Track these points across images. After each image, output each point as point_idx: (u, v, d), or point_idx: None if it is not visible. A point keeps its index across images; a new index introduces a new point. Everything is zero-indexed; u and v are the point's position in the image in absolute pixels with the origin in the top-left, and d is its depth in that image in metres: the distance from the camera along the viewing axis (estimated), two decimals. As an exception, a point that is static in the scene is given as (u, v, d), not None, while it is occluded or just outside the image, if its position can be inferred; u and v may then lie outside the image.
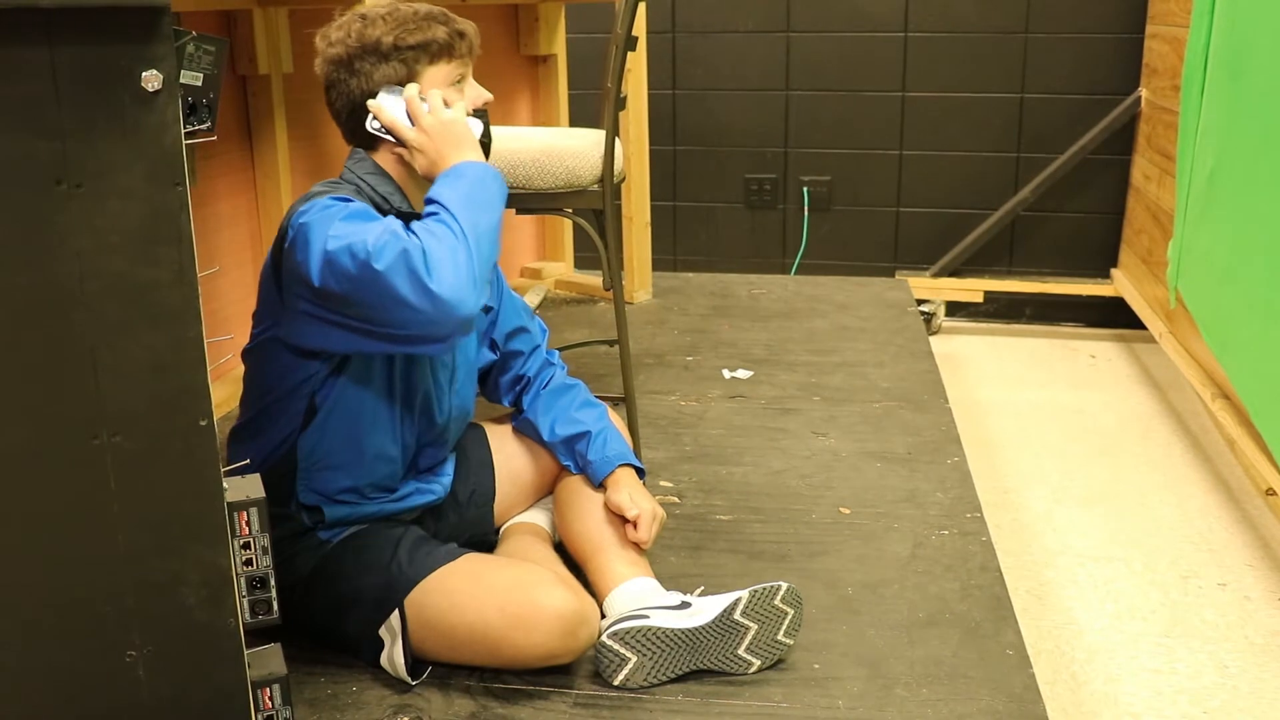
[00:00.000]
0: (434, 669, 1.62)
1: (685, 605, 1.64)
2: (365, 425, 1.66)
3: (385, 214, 1.60)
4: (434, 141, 1.60)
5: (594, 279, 3.67)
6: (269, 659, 1.33)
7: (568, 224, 3.79)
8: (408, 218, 1.61)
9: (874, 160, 4.07)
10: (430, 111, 1.61)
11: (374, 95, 1.64)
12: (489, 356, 1.90)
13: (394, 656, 1.60)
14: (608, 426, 1.87)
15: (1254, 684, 2.02)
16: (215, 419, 1.16)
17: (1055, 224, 4.02)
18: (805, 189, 4.13)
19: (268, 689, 1.31)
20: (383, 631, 1.61)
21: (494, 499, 1.90)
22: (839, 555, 1.98)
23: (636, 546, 1.76)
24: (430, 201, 1.54)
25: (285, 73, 2.71)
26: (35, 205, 1.05)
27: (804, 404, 2.69)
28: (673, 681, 1.61)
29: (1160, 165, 3.45)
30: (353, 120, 1.67)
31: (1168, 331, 3.26)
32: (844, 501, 2.18)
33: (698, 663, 1.62)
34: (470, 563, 1.63)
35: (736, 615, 1.61)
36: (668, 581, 1.77)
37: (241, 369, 1.72)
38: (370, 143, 1.68)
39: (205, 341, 1.13)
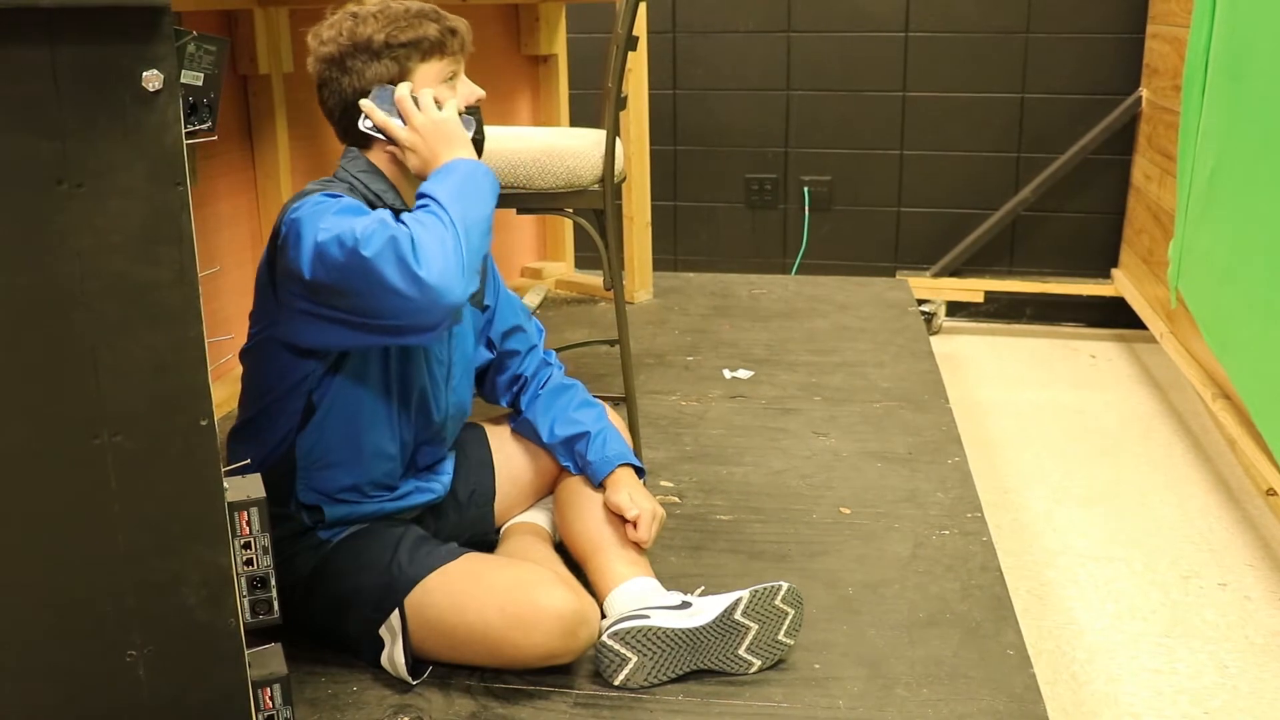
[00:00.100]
0: (434, 669, 1.62)
1: (686, 605, 1.64)
2: (363, 423, 1.66)
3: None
4: (426, 141, 1.61)
5: (595, 279, 3.67)
6: (270, 659, 1.33)
7: (568, 224, 3.79)
8: (401, 214, 1.61)
9: (875, 160, 4.07)
10: (422, 111, 1.61)
11: (366, 93, 1.64)
12: (486, 356, 1.90)
13: (394, 656, 1.60)
14: (607, 426, 1.87)
15: (1254, 684, 2.02)
16: (216, 419, 1.16)
17: (1056, 224, 4.01)
18: (806, 189, 4.13)
19: (268, 689, 1.31)
20: (383, 631, 1.61)
21: (494, 498, 1.90)
22: (839, 555, 1.98)
23: (637, 546, 1.76)
24: (421, 196, 1.54)
25: (286, 72, 2.71)
26: (36, 205, 1.05)
27: (804, 404, 2.69)
28: (673, 681, 1.61)
29: (1161, 165, 3.45)
30: (345, 119, 1.67)
31: (1168, 331, 3.26)
32: (844, 501, 2.18)
33: (698, 663, 1.62)
34: (470, 562, 1.63)
35: (737, 615, 1.61)
36: (668, 581, 1.77)
37: (241, 369, 1.72)
38: (364, 141, 1.68)
39: (206, 341, 1.13)
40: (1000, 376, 3.65)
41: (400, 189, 1.68)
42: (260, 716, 1.30)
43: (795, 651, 1.68)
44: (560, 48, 3.57)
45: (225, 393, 2.49)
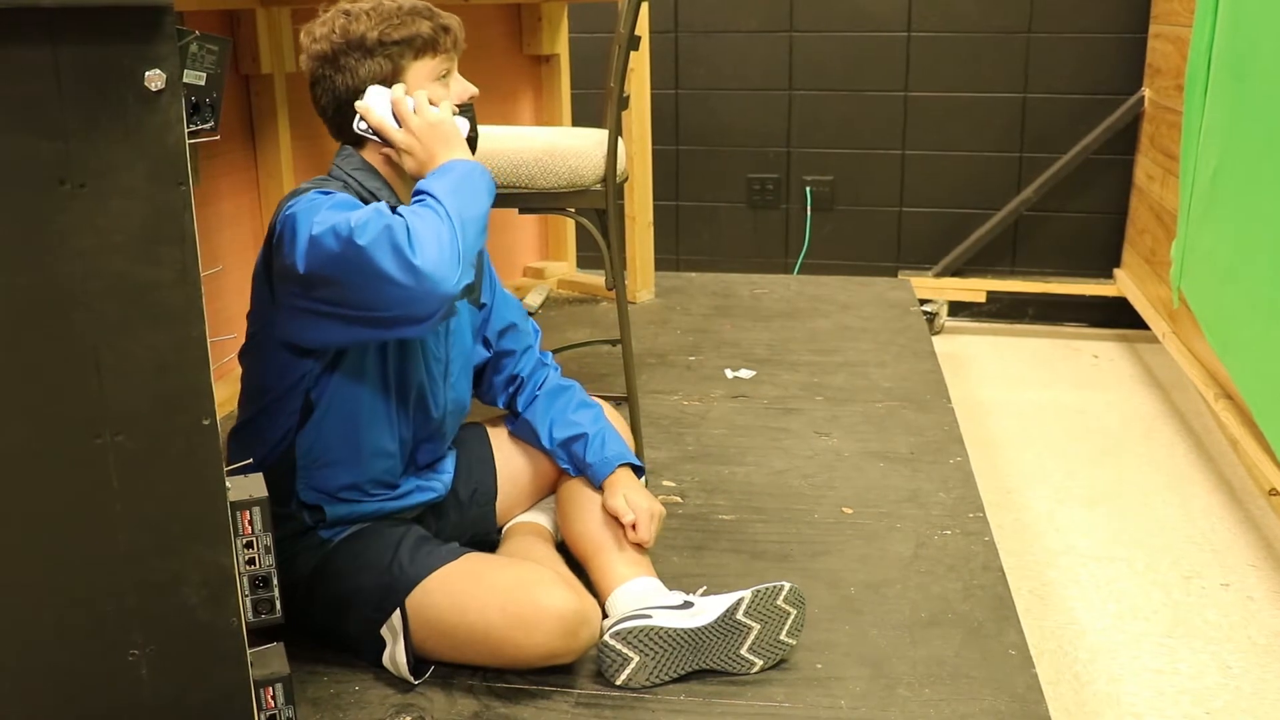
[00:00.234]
0: (436, 668, 1.62)
1: (688, 605, 1.64)
2: (362, 421, 1.66)
3: None
4: (422, 143, 1.60)
5: (596, 278, 3.67)
6: (271, 658, 1.33)
7: (570, 223, 3.79)
8: (397, 208, 1.61)
9: (876, 160, 4.07)
10: (417, 112, 1.61)
11: (360, 91, 1.63)
12: (483, 354, 1.90)
13: (396, 656, 1.60)
14: (605, 427, 1.86)
15: (1257, 684, 2.02)
16: (218, 418, 1.16)
17: (1058, 224, 4.01)
18: (808, 189, 4.13)
19: (270, 688, 1.31)
20: (384, 631, 1.61)
21: (496, 498, 1.90)
22: (841, 555, 1.98)
23: (638, 546, 1.76)
24: (418, 192, 1.54)
25: (288, 72, 2.71)
26: (38, 205, 1.05)
27: (806, 404, 2.69)
28: (675, 681, 1.61)
29: (1163, 165, 3.45)
30: (339, 117, 1.67)
31: (1170, 331, 3.26)
32: (846, 501, 2.18)
33: (700, 663, 1.62)
34: (471, 562, 1.63)
35: (739, 615, 1.61)
36: (670, 581, 1.77)
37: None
38: (358, 140, 1.68)
39: (208, 341, 1.13)
40: (1002, 376, 3.64)
41: (395, 187, 1.68)
42: (262, 716, 1.30)
43: (797, 651, 1.68)
44: (562, 47, 3.57)
45: (227, 392, 2.48)
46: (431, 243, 1.43)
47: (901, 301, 3.54)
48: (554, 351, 2.19)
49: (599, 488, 1.81)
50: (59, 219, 1.06)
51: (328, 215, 1.47)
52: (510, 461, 1.92)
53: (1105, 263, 4.00)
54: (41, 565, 1.13)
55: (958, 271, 4.06)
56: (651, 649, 1.58)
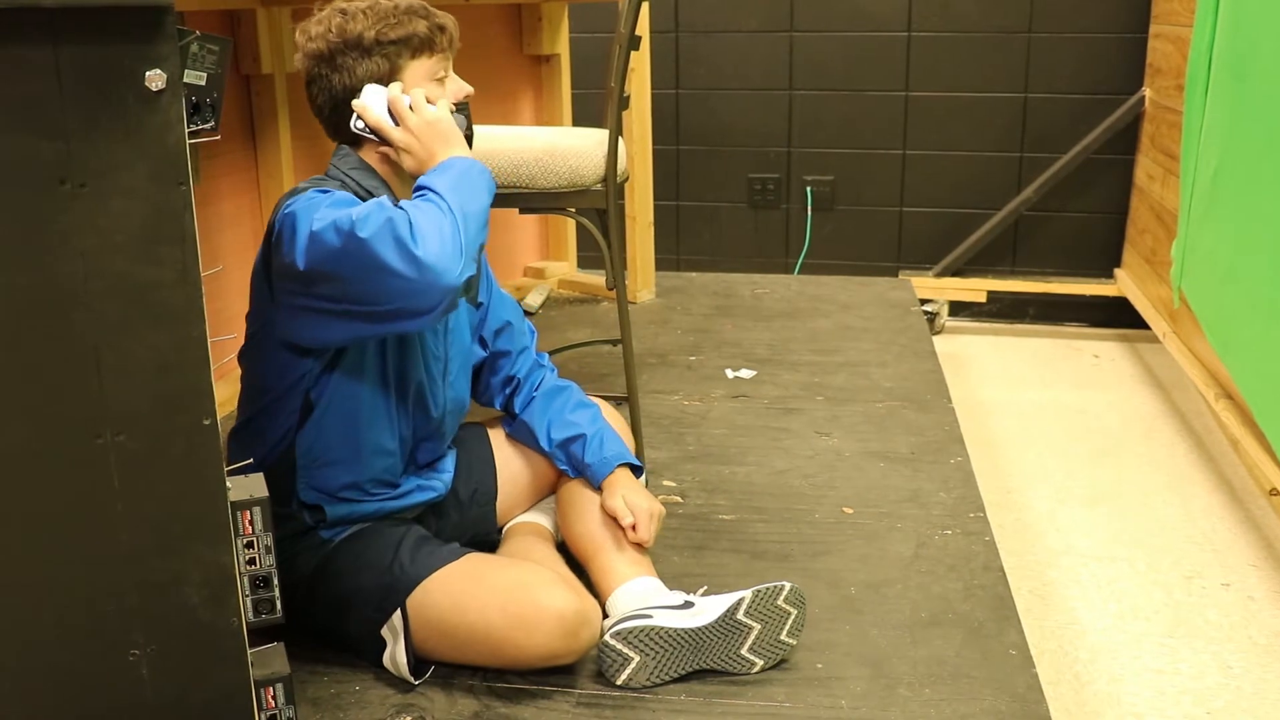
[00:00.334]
0: (437, 668, 1.63)
1: (688, 605, 1.64)
2: (362, 419, 1.66)
3: None
4: (421, 141, 1.61)
5: (597, 278, 3.67)
6: (272, 658, 1.33)
7: (571, 223, 3.79)
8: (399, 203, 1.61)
9: (877, 160, 4.07)
10: (415, 111, 1.61)
11: (357, 90, 1.63)
12: (480, 353, 1.90)
13: (396, 656, 1.60)
14: (603, 427, 1.86)
15: (1257, 684, 2.02)
16: (218, 418, 1.16)
17: (1058, 224, 4.01)
18: (808, 188, 4.13)
19: (271, 688, 1.31)
20: (385, 631, 1.61)
21: (496, 498, 1.90)
22: (842, 555, 1.98)
23: (639, 546, 1.76)
24: (419, 188, 1.54)
25: (288, 72, 2.71)
26: (39, 205, 1.05)
27: (807, 404, 2.69)
28: (676, 681, 1.61)
29: (1164, 165, 3.45)
30: (335, 116, 1.67)
31: (1171, 331, 3.26)
32: (847, 501, 2.18)
33: (701, 662, 1.62)
34: (472, 563, 1.63)
35: (740, 615, 1.61)
36: (670, 581, 1.77)
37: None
38: (354, 139, 1.68)
39: (209, 341, 1.13)
40: (1003, 376, 3.64)
41: (393, 186, 1.68)
42: (263, 716, 1.30)
43: (798, 651, 1.68)
44: (563, 47, 3.57)
45: (228, 392, 2.48)
46: (434, 235, 1.43)
47: (902, 301, 3.54)
48: (554, 351, 2.19)
49: (598, 488, 1.81)
50: (60, 219, 1.06)
51: (327, 212, 1.47)
52: (510, 461, 1.92)
53: (1106, 263, 4.00)
54: (42, 565, 1.13)
55: (958, 271, 4.05)
56: (652, 649, 1.58)
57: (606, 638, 1.59)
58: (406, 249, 1.41)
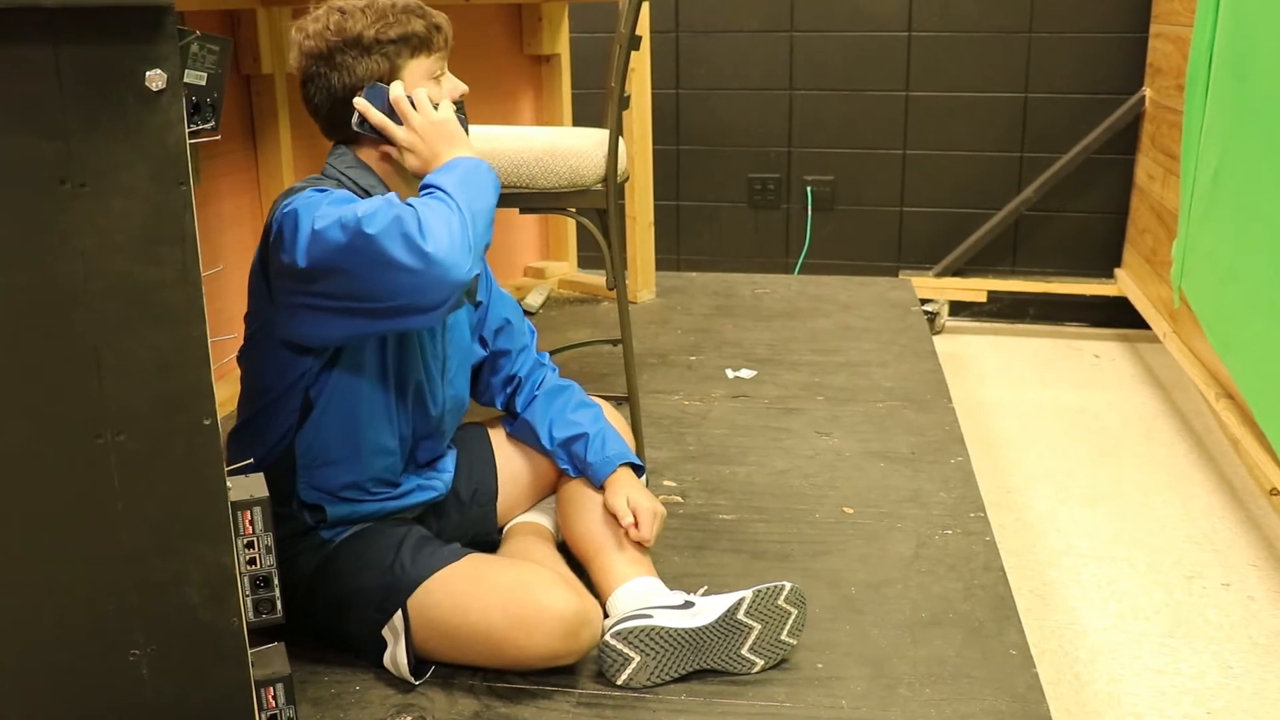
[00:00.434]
0: (437, 668, 1.63)
1: (689, 605, 1.64)
2: (361, 418, 1.66)
3: None
4: (426, 141, 1.60)
5: (597, 278, 3.67)
6: (272, 658, 1.33)
7: (571, 223, 3.79)
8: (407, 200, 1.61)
9: (877, 160, 4.07)
10: (419, 111, 1.61)
11: (356, 89, 1.62)
12: (480, 352, 1.90)
13: (397, 656, 1.60)
14: (605, 427, 1.86)
15: (1258, 684, 2.02)
16: (219, 418, 1.16)
17: (1059, 223, 4.01)
18: (809, 188, 4.13)
19: (271, 688, 1.31)
20: (385, 631, 1.61)
21: (496, 498, 1.90)
22: (842, 555, 1.98)
23: (639, 546, 1.76)
24: (425, 187, 1.54)
25: (289, 72, 2.70)
26: (39, 205, 1.05)
27: (807, 404, 2.69)
28: (676, 681, 1.61)
29: (1164, 165, 3.45)
30: (333, 115, 1.66)
31: (1171, 331, 3.25)
32: (847, 501, 2.18)
33: (701, 662, 1.62)
34: (473, 563, 1.63)
35: (740, 615, 1.61)
36: (671, 581, 1.77)
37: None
38: (351, 138, 1.67)
39: (209, 341, 1.13)
40: (1003, 376, 3.64)
41: (390, 185, 1.68)
42: (263, 716, 1.30)
43: (798, 651, 1.67)
44: (563, 47, 3.57)
45: (228, 392, 2.48)
46: (442, 230, 1.44)
47: (902, 301, 3.54)
48: (555, 351, 2.19)
49: (600, 487, 1.81)
50: (60, 219, 1.06)
51: (330, 210, 1.47)
52: (511, 461, 1.92)
53: (1106, 262, 4.00)
54: (42, 565, 1.13)
55: (959, 271, 4.05)
56: (652, 649, 1.58)
57: (607, 638, 1.59)
58: (415, 244, 1.41)
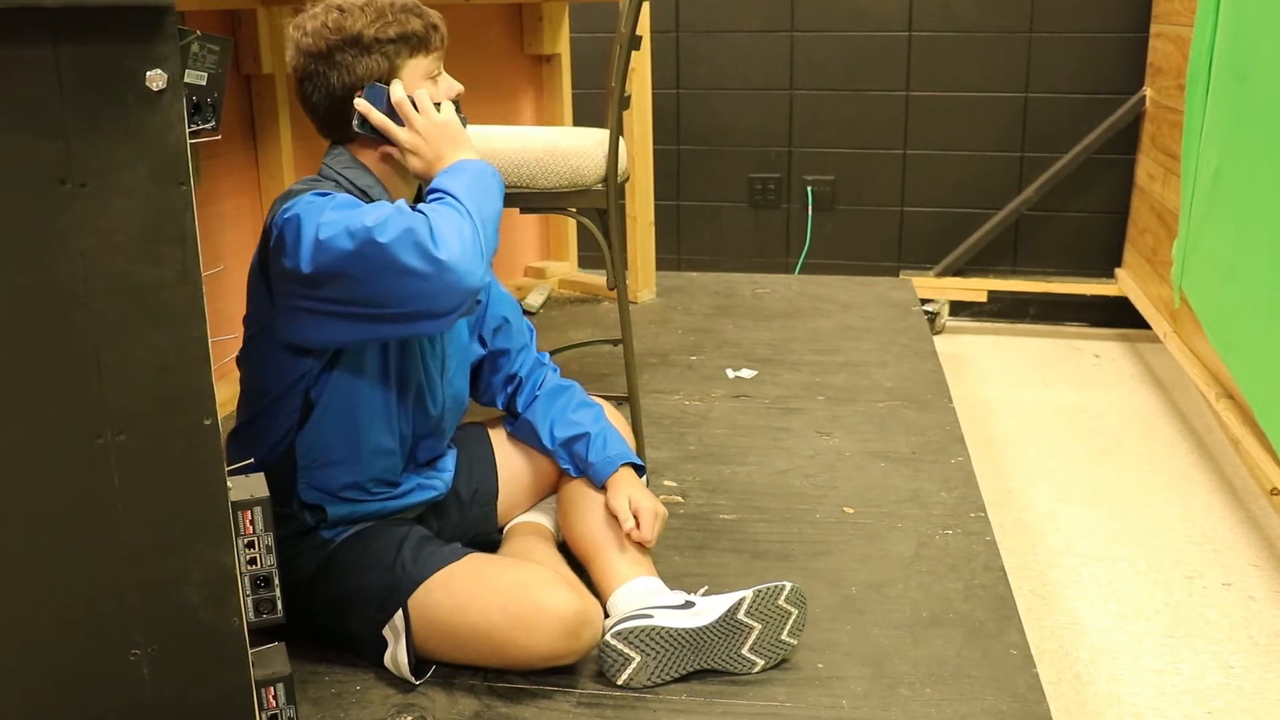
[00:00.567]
0: (438, 668, 1.63)
1: (689, 605, 1.64)
2: (362, 419, 1.66)
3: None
4: (429, 143, 1.60)
5: (598, 278, 3.67)
6: (273, 658, 1.33)
7: (571, 223, 3.79)
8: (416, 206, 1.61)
9: (878, 160, 4.07)
10: (422, 113, 1.61)
11: (355, 88, 1.62)
12: (478, 351, 1.90)
13: (397, 656, 1.60)
14: (606, 426, 1.86)
15: (1258, 684, 2.02)
16: (219, 418, 1.16)
17: (1059, 223, 4.01)
18: (809, 188, 4.13)
19: (271, 688, 1.31)
20: (386, 631, 1.61)
21: (497, 497, 1.90)
22: (843, 555, 1.98)
23: (640, 546, 1.76)
24: (433, 191, 1.54)
25: (289, 72, 2.70)
26: (39, 205, 1.05)
27: (808, 403, 2.69)
28: (676, 681, 1.61)
29: (1165, 165, 3.45)
30: (331, 114, 1.65)
31: (1172, 331, 3.25)
32: (848, 501, 2.18)
33: (701, 662, 1.62)
34: (474, 563, 1.63)
35: (740, 615, 1.61)
36: (671, 581, 1.77)
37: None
38: (348, 137, 1.67)
39: (209, 341, 1.13)
40: (1003, 376, 3.64)
41: (388, 185, 1.67)
42: (263, 716, 1.30)
43: (798, 651, 1.67)
44: (564, 47, 3.57)
45: (228, 392, 2.48)
46: (454, 237, 1.44)
47: (903, 301, 3.54)
48: (555, 351, 2.19)
49: (601, 487, 1.81)
50: (60, 219, 1.06)
51: (334, 215, 1.47)
52: (511, 461, 1.92)
53: (1106, 262, 4.00)
54: (42, 565, 1.13)
55: (959, 271, 4.05)
56: (653, 649, 1.58)
57: (607, 638, 1.59)
58: (428, 252, 1.42)
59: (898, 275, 4.07)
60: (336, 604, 1.65)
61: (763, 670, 1.63)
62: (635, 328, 3.24)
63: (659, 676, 1.60)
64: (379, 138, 1.63)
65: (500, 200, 1.58)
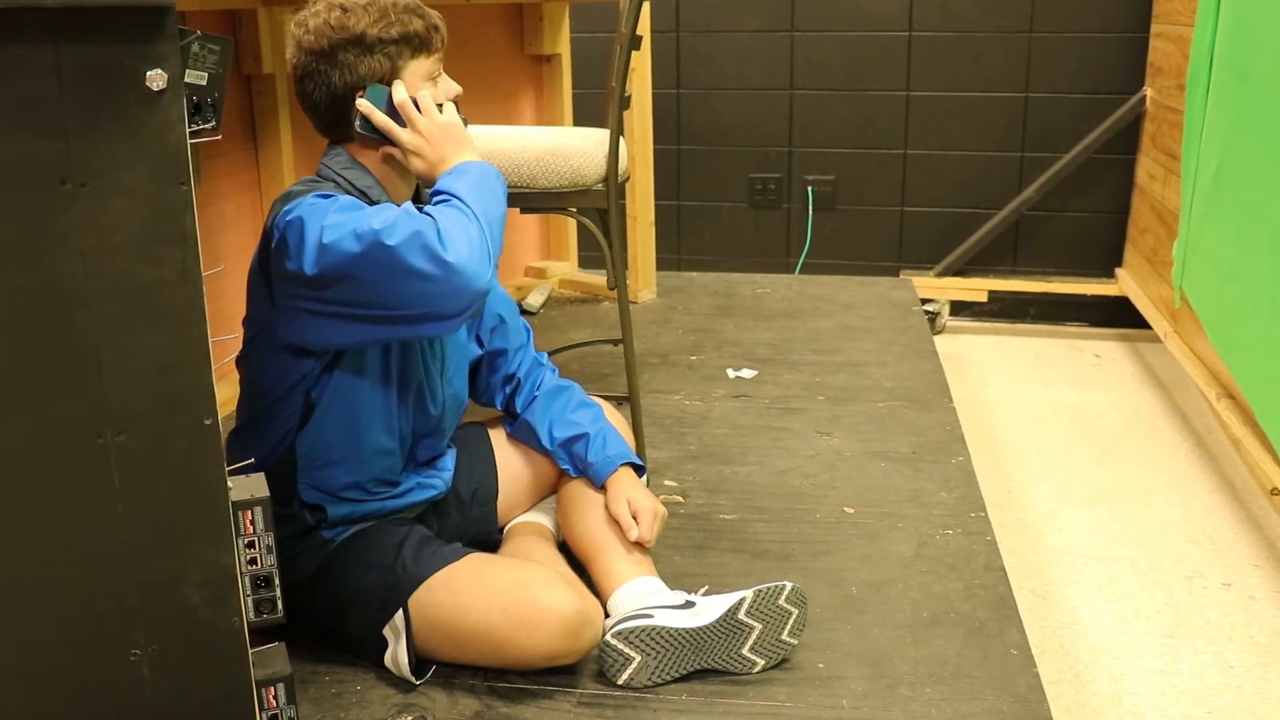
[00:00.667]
0: (438, 668, 1.63)
1: (689, 605, 1.64)
2: (362, 419, 1.66)
3: (371, 205, 1.59)
4: (432, 145, 1.60)
5: (598, 278, 3.67)
6: (273, 658, 1.33)
7: (572, 223, 3.79)
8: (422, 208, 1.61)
9: (878, 159, 4.07)
10: (424, 114, 1.61)
11: (356, 88, 1.62)
12: (475, 351, 1.90)
13: (398, 656, 1.60)
14: (605, 426, 1.86)
15: (1259, 684, 2.02)
16: (219, 418, 1.16)
17: (1060, 223, 4.01)
18: (809, 188, 4.13)
19: (272, 688, 1.31)
20: (387, 631, 1.61)
21: (497, 497, 1.90)
22: (843, 555, 1.98)
23: (640, 546, 1.76)
24: (438, 193, 1.54)
25: (289, 70, 2.70)
26: (39, 205, 1.05)
27: (808, 403, 2.69)
28: (677, 681, 1.61)
29: (1165, 164, 3.45)
30: (331, 113, 1.65)
31: (1172, 331, 3.25)
32: (848, 501, 2.18)
33: (702, 662, 1.62)
34: (474, 563, 1.63)
35: (741, 615, 1.61)
36: (672, 581, 1.77)
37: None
38: (347, 136, 1.66)
39: (209, 341, 1.13)
40: (1004, 376, 3.64)
41: (388, 186, 1.67)
42: (264, 716, 1.30)
43: (799, 651, 1.67)
44: (564, 47, 3.57)
45: (228, 392, 2.48)
46: (462, 240, 1.44)
47: (903, 301, 3.54)
48: (555, 351, 2.19)
49: (600, 487, 1.81)
50: (60, 219, 1.06)
51: (339, 217, 1.46)
52: (511, 461, 1.92)
53: (1107, 262, 4.00)
54: (42, 565, 1.13)
55: (959, 271, 4.05)
56: (653, 649, 1.58)
57: (608, 637, 1.59)
58: (436, 254, 1.42)
59: (898, 275, 4.07)
60: (337, 604, 1.65)
61: (763, 670, 1.63)
62: (635, 328, 3.24)
63: (659, 676, 1.60)
64: (380, 138, 1.63)
65: (504, 202, 1.58)
